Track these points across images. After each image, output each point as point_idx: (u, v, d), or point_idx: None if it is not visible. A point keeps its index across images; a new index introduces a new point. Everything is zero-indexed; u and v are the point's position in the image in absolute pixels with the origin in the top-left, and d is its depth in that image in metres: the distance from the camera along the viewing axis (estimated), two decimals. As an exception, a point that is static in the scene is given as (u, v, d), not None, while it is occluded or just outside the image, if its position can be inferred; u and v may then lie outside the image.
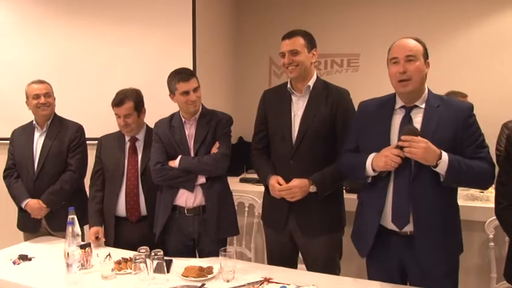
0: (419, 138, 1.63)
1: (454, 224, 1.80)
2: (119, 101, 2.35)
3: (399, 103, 1.81)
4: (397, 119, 1.79)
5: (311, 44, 2.10)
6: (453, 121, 1.71)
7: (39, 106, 2.58)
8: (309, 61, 2.09)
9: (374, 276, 1.87)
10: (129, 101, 2.36)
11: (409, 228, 1.74)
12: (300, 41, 2.06)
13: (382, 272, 1.83)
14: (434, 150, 1.63)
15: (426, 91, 1.79)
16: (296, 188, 2.02)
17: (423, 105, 1.76)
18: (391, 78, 1.77)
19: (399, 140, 1.68)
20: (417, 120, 1.74)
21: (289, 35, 2.09)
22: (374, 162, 1.75)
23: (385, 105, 1.84)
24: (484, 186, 1.84)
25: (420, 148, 1.61)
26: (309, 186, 2.03)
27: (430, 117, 1.72)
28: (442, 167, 1.63)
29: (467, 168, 1.66)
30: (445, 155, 1.63)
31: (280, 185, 2.06)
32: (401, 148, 1.67)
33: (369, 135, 1.85)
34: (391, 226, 1.77)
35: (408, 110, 1.77)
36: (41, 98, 2.57)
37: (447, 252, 1.76)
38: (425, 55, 1.75)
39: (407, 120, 1.76)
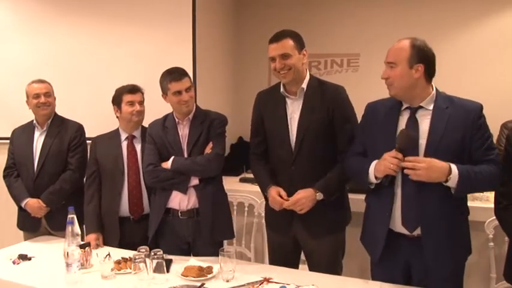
0: (420, 158, 1.62)
1: (462, 225, 1.78)
2: (133, 88, 2.41)
3: (405, 104, 1.78)
4: (402, 121, 1.77)
5: (300, 44, 2.01)
6: (462, 123, 1.68)
7: (39, 106, 2.58)
8: (300, 62, 2.01)
9: (378, 278, 1.86)
10: (140, 91, 2.44)
11: (416, 231, 1.72)
12: (289, 43, 1.97)
13: (387, 274, 1.82)
14: (440, 166, 1.60)
15: (434, 92, 1.75)
16: (303, 199, 1.98)
17: (431, 107, 1.73)
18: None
19: (396, 144, 1.68)
20: (425, 122, 1.71)
21: (277, 38, 1.99)
22: (376, 168, 1.74)
23: (392, 106, 1.81)
24: (492, 189, 1.83)
25: (422, 169, 1.59)
26: (315, 195, 1.99)
27: (438, 120, 1.69)
28: (452, 182, 1.61)
29: (477, 176, 1.63)
30: (454, 169, 1.60)
31: (281, 196, 2.02)
32: (401, 151, 1.66)
33: (376, 137, 1.83)
34: (399, 229, 1.75)
35: (413, 111, 1.75)
36: (41, 98, 2.57)
37: (454, 253, 1.75)
38: (416, 59, 1.68)
39: (412, 121, 1.73)
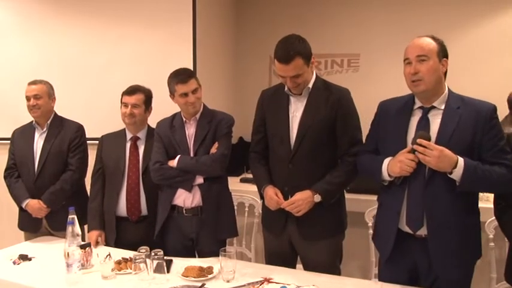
0: (434, 145, 1.61)
1: (472, 228, 1.75)
2: (131, 90, 2.39)
3: (417, 103, 1.77)
4: (414, 121, 1.75)
5: (309, 57, 1.95)
6: (473, 124, 1.66)
7: (30, 108, 2.57)
8: (309, 73, 2.00)
9: (385, 277, 1.86)
10: (141, 92, 2.41)
11: (423, 231, 1.71)
12: (299, 63, 1.89)
13: (394, 274, 1.82)
14: (449, 157, 1.59)
15: (446, 91, 1.74)
16: (299, 201, 1.96)
17: (442, 107, 1.71)
18: (405, 78, 1.74)
19: (412, 144, 1.67)
20: (436, 122, 1.70)
21: (286, 59, 1.88)
22: (389, 167, 1.73)
23: (404, 105, 1.80)
24: (503, 192, 1.77)
25: (433, 157, 1.59)
26: (312, 197, 1.97)
27: (449, 120, 1.68)
28: (456, 174, 1.60)
29: (485, 174, 1.61)
30: (461, 162, 1.60)
31: (277, 196, 2.01)
32: (414, 152, 1.65)
33: (387, 136, 1.82)
34: (407, 229, 1.75)
35: (426, 111, 1.73)
36: (31, 100, 2.56)
37: (461, 256, 1.72)
38: (441, 53, 1.70)
39: (423, 122, 1.72)
